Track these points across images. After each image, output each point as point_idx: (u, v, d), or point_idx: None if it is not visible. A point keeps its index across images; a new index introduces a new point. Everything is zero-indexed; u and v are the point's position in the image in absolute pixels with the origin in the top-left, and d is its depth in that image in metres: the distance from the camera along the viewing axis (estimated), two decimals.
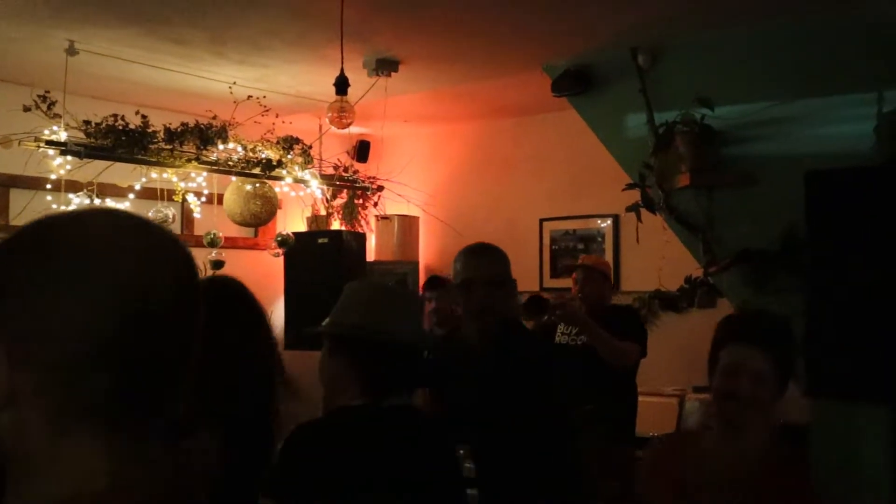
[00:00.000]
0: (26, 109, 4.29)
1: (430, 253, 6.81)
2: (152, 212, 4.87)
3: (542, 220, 6.29)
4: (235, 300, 2.03)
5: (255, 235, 6.53)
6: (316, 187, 5.49)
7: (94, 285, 0.85)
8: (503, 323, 2.83)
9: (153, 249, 0.90)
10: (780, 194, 4.12)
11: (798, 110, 4.17)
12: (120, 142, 4.52)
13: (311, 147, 5.33)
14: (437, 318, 4.90)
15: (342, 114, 4.22)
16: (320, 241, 5.99)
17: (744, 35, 4.28)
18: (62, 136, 4.38)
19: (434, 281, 5.07)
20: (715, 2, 3.94)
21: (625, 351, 4.16)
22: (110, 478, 0.85)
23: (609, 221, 5.94)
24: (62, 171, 4.48)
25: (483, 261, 2.85)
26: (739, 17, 4.14)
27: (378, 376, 1.97)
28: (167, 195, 4.97)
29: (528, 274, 6.16)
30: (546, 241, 6.29)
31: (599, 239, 6.04)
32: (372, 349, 1.97)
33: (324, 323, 2.07)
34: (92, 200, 4.74)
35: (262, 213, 5.36)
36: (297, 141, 5.23)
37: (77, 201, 4.61)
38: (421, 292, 5.16)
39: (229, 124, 4.89)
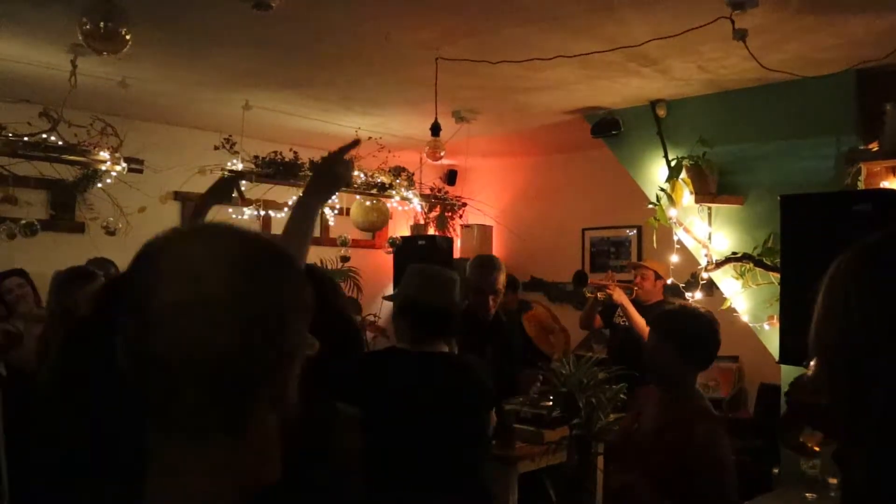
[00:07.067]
0: (216, 148, 4.59)
1: (500, 252, 6.63)
2: None
3: (584, 230, 6.27)
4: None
5: (373, 238, 6.53)
6: (417, 203, 5.56)
7: None
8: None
9: None
10: (761, 212, 4.19)
11: (777, 149, 4.20)
12: (279, 171, 4.70)
13: (413, 174, 5.42)
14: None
15: (436, 150, 4.25)
16: (420, 243, 5.98)
17: (735, 93, 4.32)
18: (239, 166, 4.59)
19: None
20: (716, 72, 3.99)
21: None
22: None
23: (635, 231, 5.91)
24: None
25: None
26: (732, 84, 4.22)
27: (420, 330, 2.24)
28: None
29: (573, 269, 6.21)
30: (587, 245, 6.25)
31: (627, 244, 5.96)
32: (417, 313, 2.24)
33: (392, 294, 2.44)
34: (259, 212, 5.00)
35: (377, 221, 5.48)
36: (404, 170, 5.32)
37: (249, 213, 4.88)
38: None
39: (355, 158, 4.64)
